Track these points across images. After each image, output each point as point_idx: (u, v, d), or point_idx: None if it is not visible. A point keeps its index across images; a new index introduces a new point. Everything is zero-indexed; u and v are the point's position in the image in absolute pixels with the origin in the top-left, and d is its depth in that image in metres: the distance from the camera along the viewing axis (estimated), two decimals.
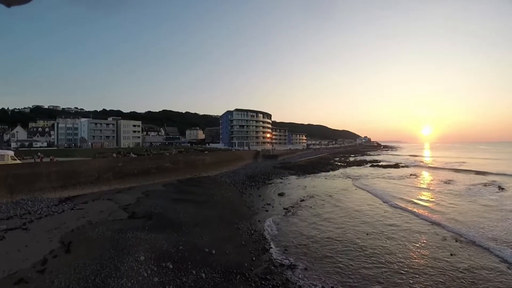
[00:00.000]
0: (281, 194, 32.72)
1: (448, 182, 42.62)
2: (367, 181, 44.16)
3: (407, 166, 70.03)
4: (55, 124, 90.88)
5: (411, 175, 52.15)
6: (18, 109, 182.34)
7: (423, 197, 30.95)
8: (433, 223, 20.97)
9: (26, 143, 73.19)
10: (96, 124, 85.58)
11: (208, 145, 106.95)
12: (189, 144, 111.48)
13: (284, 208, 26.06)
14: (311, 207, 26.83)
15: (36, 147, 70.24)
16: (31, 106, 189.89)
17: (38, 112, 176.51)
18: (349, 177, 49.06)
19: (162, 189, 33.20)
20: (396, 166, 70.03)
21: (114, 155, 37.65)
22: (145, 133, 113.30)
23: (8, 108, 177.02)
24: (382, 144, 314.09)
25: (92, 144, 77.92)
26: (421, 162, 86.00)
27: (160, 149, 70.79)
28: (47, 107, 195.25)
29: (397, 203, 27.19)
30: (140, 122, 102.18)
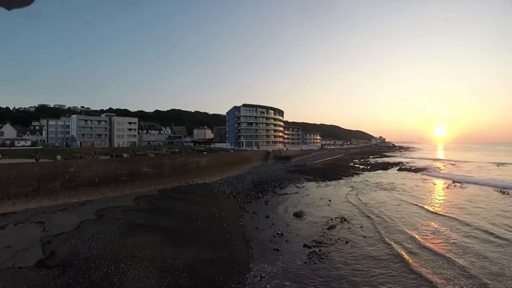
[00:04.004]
0: (297, 215, 22.75)
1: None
2: (415, 194, 33.82)
3: (441, 173, 57.34)
4: (46, 122, 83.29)
5: (454, 183, 41.14)
6: (23, 108, 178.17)
7: None
8: None
9: (8, 142, 65.89)
10: (86, 121, 75.46)
11: (214, 144, 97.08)
12: (191, 144, 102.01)
13: (304, 245, 16.18)
14: (347, 242, 16.77)
15: (18, 146, 62.78)
16: (36, 105, 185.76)
17: (43, 111, 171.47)
18: (381, 187, 38.42)
19: (130, 205, 23.76)
20: (427, 170, 60.15)
21: (59, 157, 27.95)
22: (145, 131, 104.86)
23: (14, 107, 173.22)
24: (396, 144, 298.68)
25: (81, 143, 69.36)
26: (452, 165, 72.91)
27: (155, 148, 61.81)
28: (52, 106, 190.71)
29: None
30: (137, 119, 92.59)
